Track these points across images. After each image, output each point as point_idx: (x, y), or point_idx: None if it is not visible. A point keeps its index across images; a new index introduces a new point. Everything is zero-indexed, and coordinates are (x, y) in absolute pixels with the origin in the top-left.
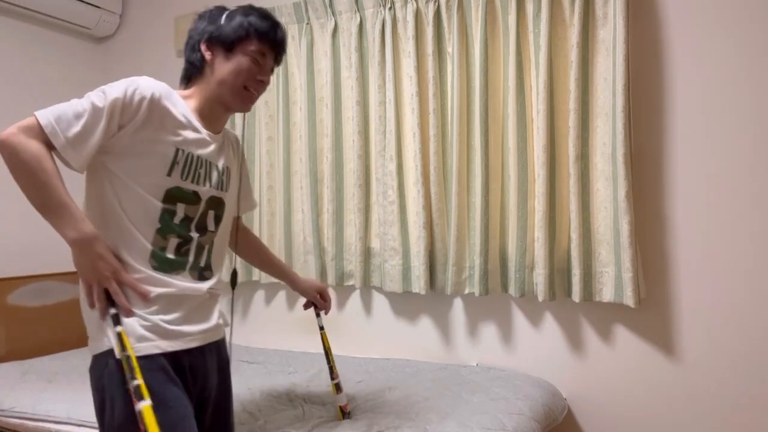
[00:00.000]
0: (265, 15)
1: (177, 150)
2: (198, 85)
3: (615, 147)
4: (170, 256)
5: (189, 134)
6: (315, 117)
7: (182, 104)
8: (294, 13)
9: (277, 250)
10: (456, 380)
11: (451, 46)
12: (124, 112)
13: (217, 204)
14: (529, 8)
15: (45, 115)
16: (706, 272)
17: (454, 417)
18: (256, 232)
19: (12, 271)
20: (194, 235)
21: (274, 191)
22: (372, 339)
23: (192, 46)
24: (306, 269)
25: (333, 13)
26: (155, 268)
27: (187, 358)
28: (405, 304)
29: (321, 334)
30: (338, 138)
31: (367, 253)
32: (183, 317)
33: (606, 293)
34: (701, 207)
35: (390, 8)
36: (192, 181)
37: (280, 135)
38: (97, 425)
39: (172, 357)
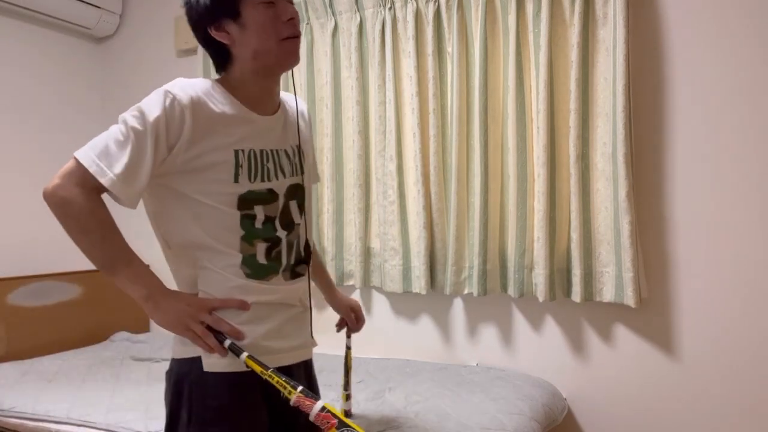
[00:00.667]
0: None
1: (236, 152)
2: (233, 68)
3: (615, 147)
4: (262, 261)
5: (243, 129)
6: (315, 117)
7: (226, 96)
8: None
9: None
10: (456, 380)
11: (451, 46)
12: (169, 131)
13: (295, 191)
14: (529, 8)
15: (86, 154)
16: (707, 272)
17: (453, 417)
18: None
19: (12, 271)
20: (281, 234)
21: None
22: (372, 339)
23: (203, 40)
24: None
25: (333, 13)
26: (249, 276)
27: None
28: (405, 304)
29: (346, 352)
30: (338, 138)
31: (367, 253)
32: (275, 330)
33: (606, 293)
34: (701, 207)
35: (390, 8)
36: (262, 180)
37: None
38: (97, 425)
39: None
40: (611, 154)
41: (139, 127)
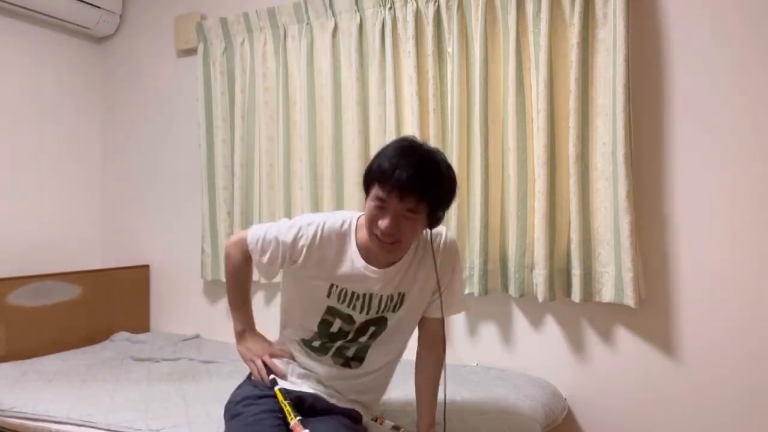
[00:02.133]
0: (397, 154)
1: (331, 285)
2: None
3: (615, 147)
4: (315, 344)
5: (346, 271)
6: (315, 117)
7: (353, 241)
8: (294, 13)
9: None
10: (456, 380)
11: (451, 46)
12: (293, 252)
13: (376, 322)
14: (529, 8)
15: (254, 235)
16: (707, 272)
17: (453, 417)
18: None
19: (12, 271)
20: (343, 342)
21: (274, 191)
22: None
23: None
24: None
25: (333, 13)
26: (303, 344)
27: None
28: None
29: None
30: (338, 138)
31: None
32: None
33: (606, 293)
34: (701, 207)
35: (390, 8)
36: (348, 306)
37: (280, 135)
38: (97, 425)
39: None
40: (611, 154)
41: (283, 239)
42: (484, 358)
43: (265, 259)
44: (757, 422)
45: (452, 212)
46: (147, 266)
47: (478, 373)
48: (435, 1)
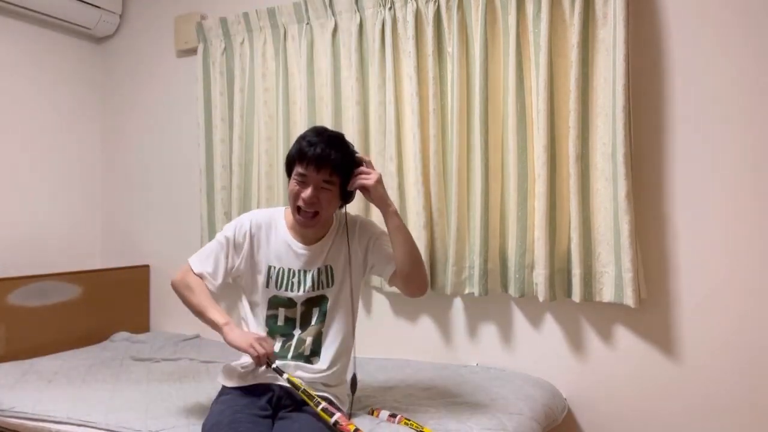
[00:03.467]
0: (312, 135)
1: (269, 268)
2: None
3: (615, 147)
4: (276, 350)
5: (279, 249)
6: (315, 117)
7: (282, 225)
8: (294, 13)
9: None
10: (456, 380)
11: (451, 46)
12: (236, 244)
13: (318, 302)
14: (529, 8)
15: (192, 257)
16: (707, 272)
17: (453, 417)
18: None
19: (12, 271)
20: (296, 332)
21: (274, 191)
22: (372, 339)
23: None
24: None
25: (333, 13)
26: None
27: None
28: (405, 304)
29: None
30: None
31: None
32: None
33: (606, 293)
34: (701, 207)
35: (390, 8)
36: (286, 289)
37: (280, 135)
38: (97, 425)
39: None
40: (611, 154)
41: (221, 240)
42: (484, 358)
43: (209, 265)
44: (757, 422)
45: (452, 212)
46: (147, 266)
47: (478, 373)
48: (435, 1)
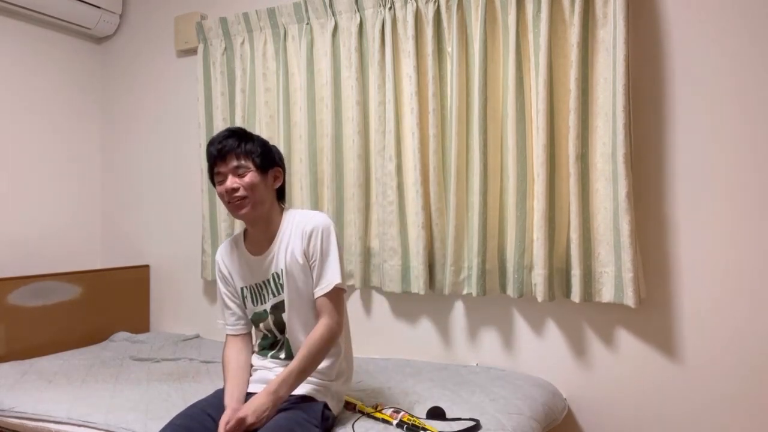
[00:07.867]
0: (215, 137)
1: (242, 288)
2: None
3: (615, 147)
4: (276, 356)
5: (244, 271)
6: (315, 117)
7: (241, 243)
8: (294, 13)
9: None
10: (456, 380)
11: (451, 46)
12: (225, 281)
13: (277, 308)
14: (529, 8)
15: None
16: (707, 272)
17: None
18: None
19: (12, 271)
20: (280, 337)
21: None
22: (372, 339)
23: None
24: None
25: (333, 13)
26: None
27: None
28: (404, 304)
29: None
30: (338, 138)
31: (366, 253)
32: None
33: (606, 293)
34: (701, 207)
35: (390, 8)
36: (258, 303)
37: (280, 135)
38: (97, 425)
39: None
40: (611, 154)
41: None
42: (484, 359)
43: (225, 314)
44: (758, 421)
45: (451, 212)
46: (147, 266)
47: (478, 373)
48: (435, 1)
